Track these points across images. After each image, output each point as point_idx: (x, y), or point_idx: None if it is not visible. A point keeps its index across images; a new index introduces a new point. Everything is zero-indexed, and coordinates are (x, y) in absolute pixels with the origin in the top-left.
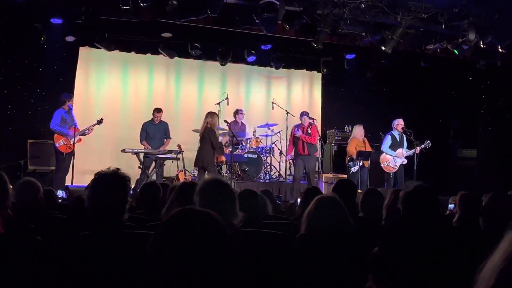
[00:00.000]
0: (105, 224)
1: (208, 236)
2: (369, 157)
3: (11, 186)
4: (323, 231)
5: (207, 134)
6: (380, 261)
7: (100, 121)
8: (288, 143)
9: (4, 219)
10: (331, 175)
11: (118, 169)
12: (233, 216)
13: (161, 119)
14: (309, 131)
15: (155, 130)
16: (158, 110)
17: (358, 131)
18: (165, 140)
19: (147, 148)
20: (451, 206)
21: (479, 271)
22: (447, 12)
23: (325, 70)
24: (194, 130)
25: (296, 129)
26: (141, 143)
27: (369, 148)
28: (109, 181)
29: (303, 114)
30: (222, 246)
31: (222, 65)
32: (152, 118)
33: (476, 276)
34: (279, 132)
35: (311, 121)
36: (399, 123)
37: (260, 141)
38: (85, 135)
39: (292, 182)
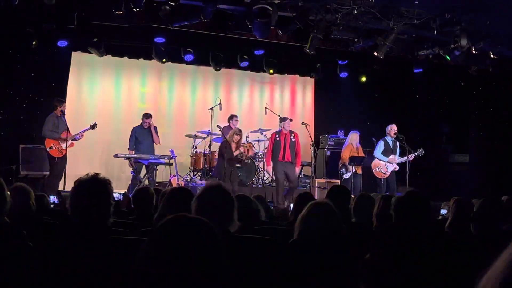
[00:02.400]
0: (90, 230)
1: (200, 243)
2: (362, 162)
3: (9, 193)
4: (316, 236)
5: (221, 147)
6: (372, 267)
7: (93, 126)
8: (266, 151)
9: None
10: (323, 181)
11: (97, 174)
12: (230, 223)
13: (150, 124)
14: (293, 139)
15: (144, 136)
16: (147, 116)
17: (354, 138)
18: (154, 145)
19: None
20: (443, 211)
21: (481, 277)
22: (439, 18)
23: (317, 76)
24: (187, 135)
25: (276, 136)
26: (128, 150)
27: (361, 155)
28: (89, 187)
29: (287, 119)
30: (214, 253)
31: (216, 70)
32: (141, 123)
33: (477, 282)
34: None
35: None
36: (392, 129)
37: (253, 146)
38: (76, 140)
39: (277, 187)
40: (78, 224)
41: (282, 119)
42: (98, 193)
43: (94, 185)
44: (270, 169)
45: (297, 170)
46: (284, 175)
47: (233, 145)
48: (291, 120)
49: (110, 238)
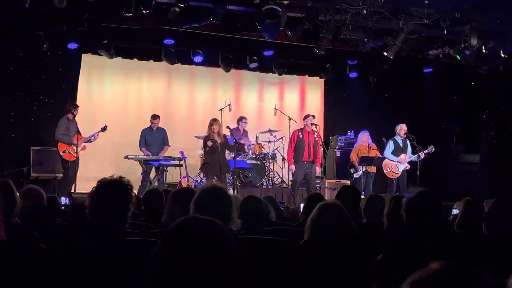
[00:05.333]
0: (106, 233)
1: (212, 244)
2: (372, 162)
3: (18, 194)
4: (326, 237)
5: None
6: (384, 268)
7: (104, 128)
8: (288, 148)
9: (9, 226)
10: (334, 181)
11: (121, 177)
12: (229, 222)
13: (159, 126)
14: (316, 138)
15: (153, 137)
16: (154, 117)
17: (362, 138)
18: (163, 147)
19: (148, 155)
20: (455, 211)
21: None
22: (449, 18)
23: (327, 76)
24: (197, 137)
25: (299, 133)
26: (140, 150)
27: (373, 154)
28: (111, 189)
29: (310, 116)
30: (227, 254)
31: (226, 71)
32: (150, 125)
33: None
34: (281, 138)
35: (313, 127)
36: (401, 129)
37: (262, 147)
38: (90, 142)
39: (292, 189)
40: (94, 225)
41: (305, 116)
42: (119, 197)
43: (117, 188)
44: (294, 167)
45: (318, 169)
46: (304, 175)
47: (216, 137)
48: (314, 117)
49: (125, 241)
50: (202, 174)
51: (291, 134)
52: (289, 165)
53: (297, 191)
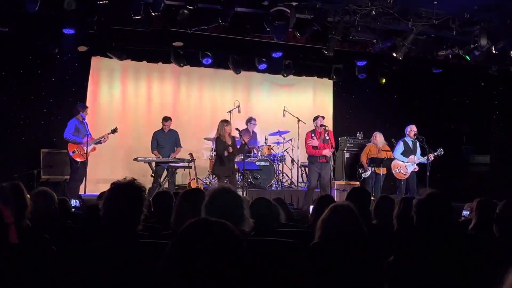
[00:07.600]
0: (120, 235)
1: (223, 246)
2: (381, 164)
3: (28, 196)
4: (337, 239)
5: (214, 145)
6: (395, 270)
7: (114, 130)
8: (306, 146)
9: (20, 229)
10: (343, 183)
11: (134, 179)
12: (242, 223)
13: (171, 128)
14: (327, 137)
15: (165, 139)
16: (166, 119)
17: (374, 139)
18: (175, 148)
19: (159, 157)
20: (465, 212)
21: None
22: (458, 18)
23: (336, 77)
24: (206, 138)
25: (311, 135)
26: (152, 152)
27: (383, 155)
28: (125, 192)
29: (319, 117)
30: (237, 256)
31: (236, 73)
32: (162, 128)
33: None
34: (290, 139)
35: (324, 127)
36: (411, 130)
37: (271, 148)
38: (100, 143)
39: (307, 190)
40: (107, 226)
41: (315, 118)
42: (133, 199)
43: (130, 190)
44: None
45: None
46: (318, 177)
47: (229, 139)
48: (323, 117)
49: (139, 243)
50: (212, 175)
51: (300, 135)
52: (321, 152)
53: (311, 193)
